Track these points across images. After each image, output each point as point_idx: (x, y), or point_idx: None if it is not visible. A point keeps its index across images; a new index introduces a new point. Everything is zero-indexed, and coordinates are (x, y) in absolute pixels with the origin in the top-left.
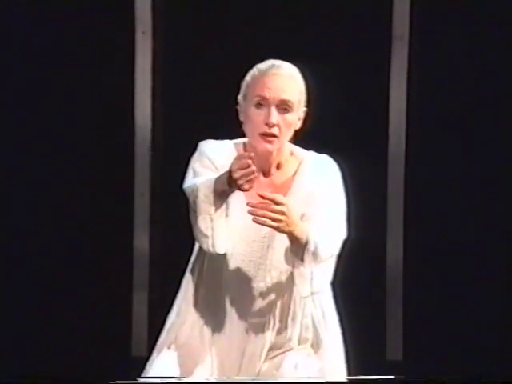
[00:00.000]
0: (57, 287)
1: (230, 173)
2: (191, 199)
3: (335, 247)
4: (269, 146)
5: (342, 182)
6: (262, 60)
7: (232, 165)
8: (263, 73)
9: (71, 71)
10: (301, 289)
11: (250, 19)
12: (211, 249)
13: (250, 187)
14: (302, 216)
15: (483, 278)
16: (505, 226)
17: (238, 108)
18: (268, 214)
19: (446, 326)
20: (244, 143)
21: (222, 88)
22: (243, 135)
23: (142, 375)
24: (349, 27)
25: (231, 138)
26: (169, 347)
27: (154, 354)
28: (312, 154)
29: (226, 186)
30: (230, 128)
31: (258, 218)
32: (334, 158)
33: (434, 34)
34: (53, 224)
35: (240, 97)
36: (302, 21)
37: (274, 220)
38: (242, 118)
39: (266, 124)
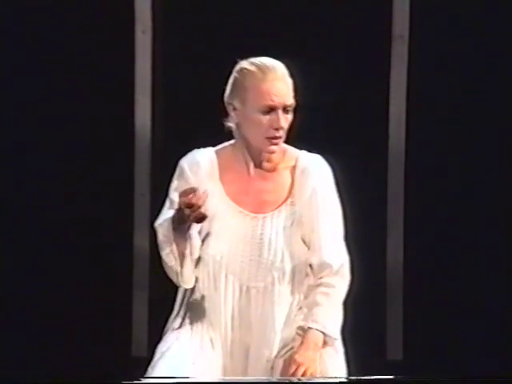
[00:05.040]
0: (57, 287)
1: (181, 211)
2: None
3: (343, 290)
4: (275, 148)
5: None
6: None
7: (179, 203)
8: (262, 79)
9: (71, 71)
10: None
11: (250, 19)
12: (178, 284)
13: (205, 216)
14: (304, 215)
15: (483, 278)
16: (505, 226)
17: (234, 112)
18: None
19: (446, 326)
20: (232, 146)
21: (222, 88)
22: (231, 136)
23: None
24: (349, 27)
25: (231, 137)
26: (171, 349)
27: (157, 355)
28: (304, 152)
29: (183, 223)
30: (226, 127)
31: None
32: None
33: (433, 34)
34: (53, 224)
35: (236, 102)
36: (302, 20)
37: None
38: (238, 121)
39: (275, 129)
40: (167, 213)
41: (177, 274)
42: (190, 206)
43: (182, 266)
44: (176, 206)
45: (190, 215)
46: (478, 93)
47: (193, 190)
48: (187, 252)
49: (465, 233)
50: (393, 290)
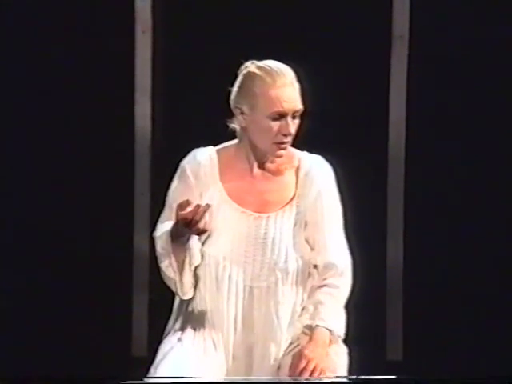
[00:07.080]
0: (57, 287)
1: (179, 225)
2: None
3: (347, 289)
4: (283, 152)
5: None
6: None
7: (178, 216)
8: (271, 85)
9: (71, 71)
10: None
11: (250, 19)
12: (176, 293)
13: (204, 231)
14: (308, 216)
15: (483, 278)
16: (505, 226)
17: (241, 116)
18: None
19: (446, 325)
20: (235, 146)
21: (222, 88)
22: (233, 135)
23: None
24: (349, 27)
25: (231, 137)
26: (174, 350)
27: (159, 356)
28: (306, 153)
29: (182, 236)
30: (230, 128)
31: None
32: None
33: (433, 34)
34: (53, 224)
35: (245, 107)
36: (301, 21)
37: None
38: (245, 125)
39: (284, 134)
40: (166, 223)
41: (175, 284)
42: (188, 222)
43: (181, 276)
44: (174, 214)
45: (191, 229)
46: (479, 93)
47: (188, 204)
48: (186, 261)
49: (465, 233)
50: (393, 290)
